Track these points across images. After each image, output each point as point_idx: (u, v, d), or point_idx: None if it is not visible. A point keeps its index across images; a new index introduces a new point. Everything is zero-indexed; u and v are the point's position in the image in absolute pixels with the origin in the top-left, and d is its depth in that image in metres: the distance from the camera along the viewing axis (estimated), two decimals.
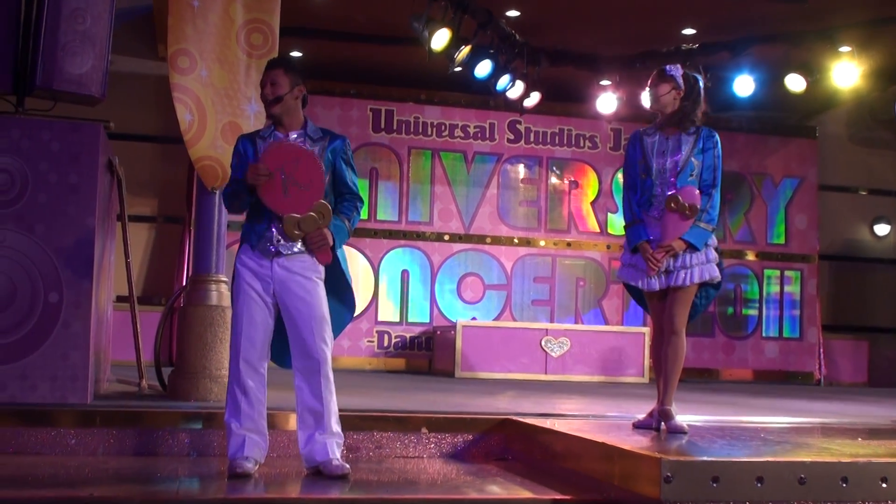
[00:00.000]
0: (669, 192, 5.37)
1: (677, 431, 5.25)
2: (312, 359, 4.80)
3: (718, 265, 5.45)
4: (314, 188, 4.78)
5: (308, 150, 4.85)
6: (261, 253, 4.83)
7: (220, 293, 6.66)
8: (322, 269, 4.89)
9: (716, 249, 5.46)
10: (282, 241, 4.82)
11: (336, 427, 4.86)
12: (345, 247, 5.03)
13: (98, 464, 5.18)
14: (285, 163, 4.77)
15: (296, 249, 4.83)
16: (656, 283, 5.41)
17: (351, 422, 5.64)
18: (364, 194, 12.53)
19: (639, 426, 5.53)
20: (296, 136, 4.91)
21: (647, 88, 5.58)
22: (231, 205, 4.99)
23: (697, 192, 5.35)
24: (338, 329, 5.01)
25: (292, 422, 5.05)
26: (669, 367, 5.41)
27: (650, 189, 5.46)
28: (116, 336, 7.96)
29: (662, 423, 5.40)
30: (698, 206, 5.32)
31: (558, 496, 4.55)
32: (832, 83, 11.38)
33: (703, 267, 5.37)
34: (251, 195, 4.81)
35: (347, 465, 4.85)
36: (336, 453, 4.83)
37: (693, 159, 5.40)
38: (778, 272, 14.30)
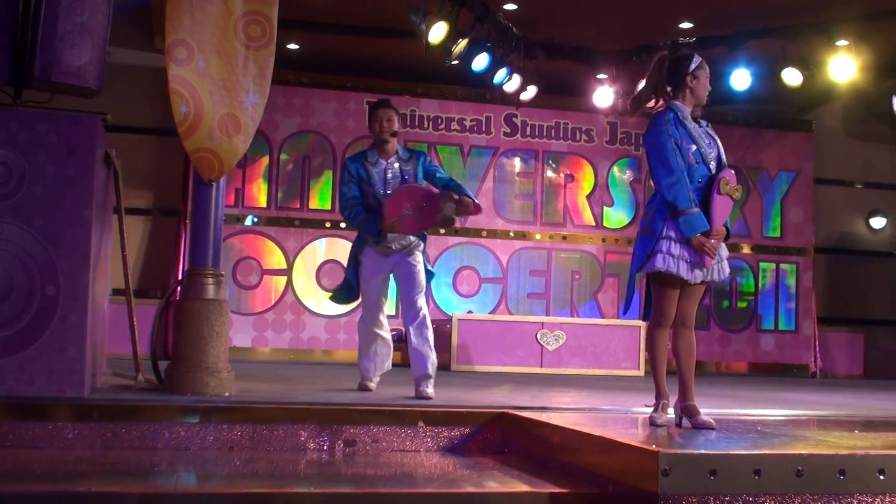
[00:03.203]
0: (721, 175, 5.15)
1: (704, 427, 5.10)
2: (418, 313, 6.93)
3: None
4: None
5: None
6: (380, 252, 7.00)
7: (216, 287, 6.64)
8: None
9: None
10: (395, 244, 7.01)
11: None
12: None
13: (95, 458, 5.18)
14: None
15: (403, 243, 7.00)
16: (699, 275, 5.20)
17: (347, 416, 5.65)
18: None
19: (654, 423, 5.32)
20: (393, 159, 6.99)
21: (707, 84, 5.29)
22: (355, 222, 7.06)
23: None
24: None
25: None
26: (685, 362, 5.27)
27: (704, 178, 5.19)
28: (112, 329, 7.94)
29: (684, 419, 5.25)
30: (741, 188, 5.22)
31: (556, 490, 4.54)
32: (829, 77, 11.41)
33: (728, 262, 5.33)
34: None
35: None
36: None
37: None
38: (773, 265, 14.33)
